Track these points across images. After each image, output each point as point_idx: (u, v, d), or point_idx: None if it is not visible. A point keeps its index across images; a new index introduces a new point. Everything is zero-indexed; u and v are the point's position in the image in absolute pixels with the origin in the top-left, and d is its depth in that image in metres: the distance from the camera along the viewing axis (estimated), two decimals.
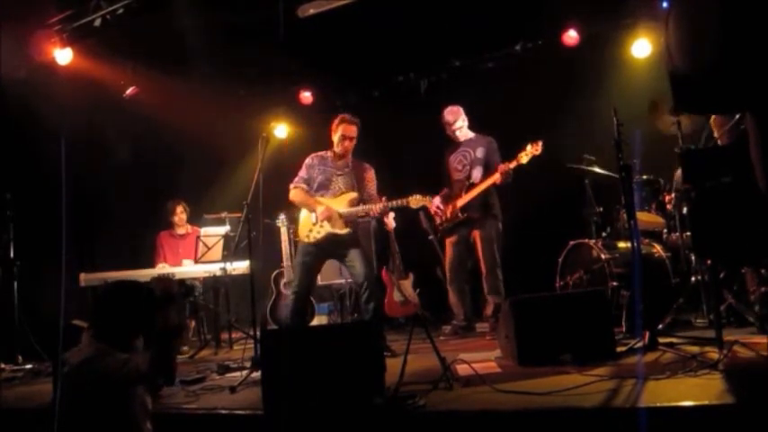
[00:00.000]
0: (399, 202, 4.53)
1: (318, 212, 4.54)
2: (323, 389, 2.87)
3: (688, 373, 2.76)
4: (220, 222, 6.22)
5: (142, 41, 5.92)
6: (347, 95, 7.51)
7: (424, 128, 6.39)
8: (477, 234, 5.12)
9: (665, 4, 4.71)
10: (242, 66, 6.52)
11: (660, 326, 3.98)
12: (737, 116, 3.23)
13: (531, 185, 5.25)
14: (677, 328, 4.08)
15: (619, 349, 3.39)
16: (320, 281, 5.69)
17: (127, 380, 2.52)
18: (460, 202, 5.13)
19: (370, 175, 4.73)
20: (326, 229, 4.53)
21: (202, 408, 3.19)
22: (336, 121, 4.66)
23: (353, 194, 4.61)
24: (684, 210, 4.41)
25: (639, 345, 3.42)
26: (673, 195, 4.56)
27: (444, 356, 3.23)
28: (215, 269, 5.60)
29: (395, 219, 5.69)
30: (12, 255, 5.39)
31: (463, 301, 5.26)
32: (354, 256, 4.54)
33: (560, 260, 4.80)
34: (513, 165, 4.86)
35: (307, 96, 7.52)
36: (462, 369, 3.32)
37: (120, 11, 5.42)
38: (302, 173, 4.72)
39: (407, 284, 6.03)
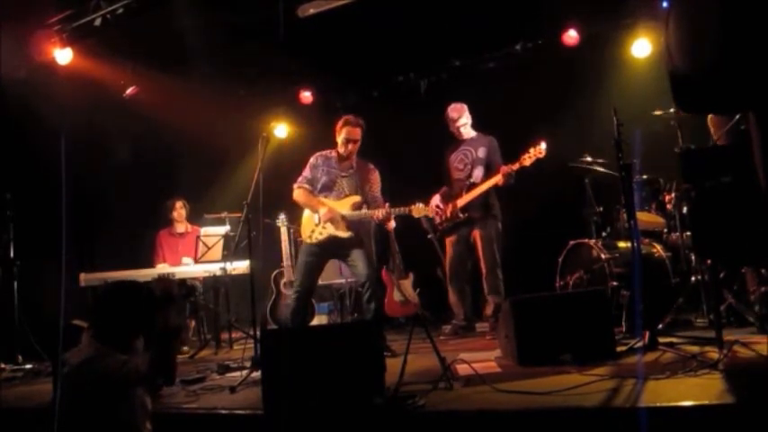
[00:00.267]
0: (401, 210, 4.52)
1: (321, 214, 4.53)
2: (323, 389, 2.87)
3: (688, 372, 2.76)
4: (220, 222, 6.22)
5: (142, 41, 5.91)
6: (347, 95, 7.50)
7: (424, 128, 6.39)
8: (477, 234, 5.12)
9: (665, 4, 4.71)
10: (242, 66, 6.52)
11: (660, 326, 3.98)
12: (738, 116, 3.23)
13: (531, 185, 5.25)
14: (677, 328, 4.08)
15: (619, 349, 3.39)
16: (320, 281, 5.68)
17: (127, 381, 2.52)
18: (461, 202, 5.13)
19: (375, 176, 4.72)
20: (329, 230, 4.53)
21: (202, 408, 3.19)
22: (340, 123, 4.64)
23: (357, 198, 4.60)
24: (684, 210, 4.41)
25: (639, 344, 3.43)
26: (673, 195, 4.56)
27: (444, 356, 3.23)
28: (215, 269, 5.59)
29: (395, 218, 5.69)
30: (12, 255, 5.40)
31: (463, 301, 5.26)
32: (357, 256, 4.54)
33: (560, 260, 4.80)
34: (515, 167, 4.85)
35: (307, 96, 7.51)
36: (462, 369, 3.32)
37: (120, 11, 5.41)
38: (306, 173, 4.71)
39: (407, 284, 6.03)
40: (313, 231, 4.56)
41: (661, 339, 3.51)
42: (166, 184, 6.86)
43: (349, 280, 6.20)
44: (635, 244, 3.97)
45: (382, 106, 7.16)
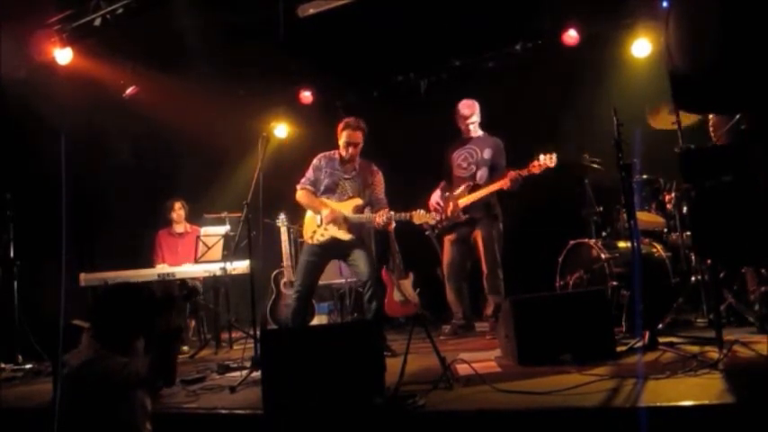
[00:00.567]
0: (403, 215, 4.51)
1: (323, 215, 4.53)
2: (323, 389, 2.87)
3: (688, 372, 2.76)
4: (220, 222, 6.22)
5: (142, 41, 5.92)
6: (347, 95, 7.51)
7: (424, 128, 6.40)
8: (478, 234, 5.10)
9: (665, 4, 4.70)
10: (242, 66, 6.52)
11: (660, 325, 3.98)
12: (737, 116, 3.23)
13: (532, 185, 5.24)
14: (677, 328, 4.07)
15: (619, 349, 3.39)
16: (320, 281, 5.68)
17: (127, 383, 2.52)
18: (463, 203, 5.11)
19: (379, 178, 4.72)
20: (331, 232, 4.53)
21: (202, 408, 3.18)
22: (341, 126, 4.63)
23: (359, 201, 4.60)
24: (684, 210, 4.41)
25: (639, 344, 3.42)
26: (673, 195, 4.56)
27: (444, 356, 3.23)
28: (215, 269, 5.59)
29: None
30: (12, 255, 5.40)
31: (461, 300, 5.25)
32: (358, 256, 4.54)
33: (560, 260, 4.80)
34: (524, 173, 4.82)
35: (307, 96, 7.51)
36: (462, 369, 3.32)
37: (120, 11, 5.41)
38: (309, 174, 4.71)
39: (407, 284, 6.03)
40: (315, 232, 4.56)
41: (661, 339, 3.51)
42: (166, 184, 6.87)
43: (349, 280, 6.20)
44: (635, 244, 3.97)
45: (382, 106, 7.16)
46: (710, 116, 3.85)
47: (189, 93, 6.29)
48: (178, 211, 6.27)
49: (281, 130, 6.95)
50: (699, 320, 4.27)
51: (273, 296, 6.28)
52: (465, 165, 5.24)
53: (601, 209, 5.06)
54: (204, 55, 5.97)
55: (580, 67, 6.14)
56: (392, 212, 4.51)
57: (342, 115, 4.78)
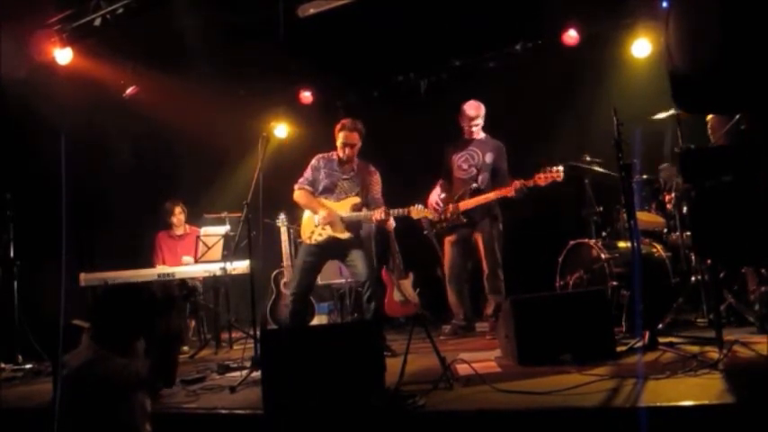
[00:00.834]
0: (400, 211, 4.53)
1: (320, 216, 4.54)
2: (323, 389, 2.87)
3: (688, 372, 2.76)
4: (220, 222, 6.21)
5: (142, 41, 5.91)
6: (347, 95, 7.50)
7: (424, 128, 6.40)
8: (478, 235, 5.09)
9: (665, 4, 4.70)
10: (242, 66, 6.51)
11: (660, 325, 3.98)
12: (737, 116, 3.23)
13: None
14: (677, 328, 4.08)
15: (619, 349, 3.39)
16: (320, 281, 5.69)
17: (127, 385, 2.52)
18: (464, 206, 5.10)
19: (376, 178, 4.73)
20: (328, 232, 4.54)
21: (202, 407, 3.19)
22: (338, 127, 4.64)
23: (357, 199, 4.61)
24: (684, 210, 4.41)
25: (639, 344, 3.43)
26: (673, 195, 4.56)
27: (444, 356, 3.23)
28: (215, 269, 5.58)
29: (394, 219, 5.69)
30: (12, 255, 5.39)
31: (462, 301, 5.25)
32: (356, 256, 4.55)
33: (560, 260, 4.80)
34: (529, 184, 4.80)
35: (307, 96, 7.51)
36: (462, 369, 3.32)
37: (120, 11, 5.41)
38: (307, 174, 4.72)
39: (407, 284, 6.03)
40: (313, 232, 4.57)
41: (661, 339, 3.51)
42: (166, 185, 6.86)
43: (349, 280, 6.19)
44: (635, 244, 3.97)
45: (382, 106, 7.16)
46: (709, 118, 3.86)
47: (189, 93, 6.29)
48: (178, 215, 6.27)
49: (281, 130, 6.95)
50: (699, 320, 4.27)
51: (273, 296, 6.28)
52: (466, 166, 5.23)
53: (601, 209, 5.06)
54: (204, 55, 5.97)
55: (580, 67, 6.14)
56: (390, 209, 4.51)
57: (342, 115, 4.78)
